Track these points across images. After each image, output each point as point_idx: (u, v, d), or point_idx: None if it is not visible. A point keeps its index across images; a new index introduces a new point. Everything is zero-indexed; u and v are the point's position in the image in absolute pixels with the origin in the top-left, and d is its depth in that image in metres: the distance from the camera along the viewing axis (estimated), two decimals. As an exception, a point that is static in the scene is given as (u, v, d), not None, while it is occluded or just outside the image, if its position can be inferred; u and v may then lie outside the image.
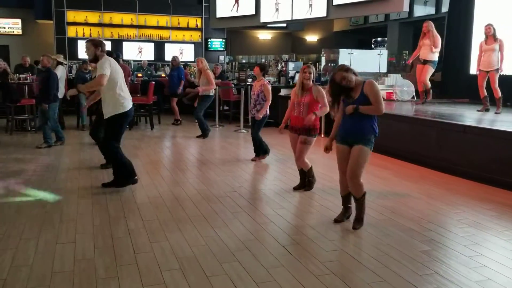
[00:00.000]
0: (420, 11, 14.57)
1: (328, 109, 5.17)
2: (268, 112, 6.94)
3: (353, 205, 4.32)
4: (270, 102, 6.86)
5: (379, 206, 4.86)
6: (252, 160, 7.13)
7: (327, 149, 4.35)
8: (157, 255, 3.54)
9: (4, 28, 15.89)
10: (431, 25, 9.01)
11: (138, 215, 4.48)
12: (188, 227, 4.17)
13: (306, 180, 5.48)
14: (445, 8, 12.85)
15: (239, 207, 4.81)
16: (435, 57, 9.06)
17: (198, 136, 9.19)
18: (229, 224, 4.28)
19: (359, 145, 4.05)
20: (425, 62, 9.11)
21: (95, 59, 5.08)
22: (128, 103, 5.22)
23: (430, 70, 9.16)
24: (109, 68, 4.98)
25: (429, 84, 9.31)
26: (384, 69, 11.79)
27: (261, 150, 7.09)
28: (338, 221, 4.34)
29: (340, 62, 11.49)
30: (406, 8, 10.21)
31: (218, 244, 3.80)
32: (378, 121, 4.16)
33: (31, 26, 15.97)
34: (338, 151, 4.24)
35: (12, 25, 15.93)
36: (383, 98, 4.09)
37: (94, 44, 5.08)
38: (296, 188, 5.49)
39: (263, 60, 16.86)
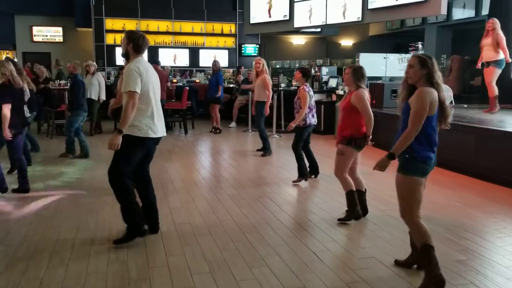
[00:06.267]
0: (458, 14, 14.24)
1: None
2: (309, 122, 5.94)
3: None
4: (306, 111, 5.82)
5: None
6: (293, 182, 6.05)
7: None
8: (188, 258, 3.58)
9: (46, 36, 16.54)
10: (496, 22, 8.00)
11: (170, 218, 4.54)
12: (219, 231, 4.19)
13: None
14: (485, 11, 12.50)
15: (270, 212, 4.80)
16: (500, 55, 7.96)
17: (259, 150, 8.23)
18: (259, 229, 4.28)
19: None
20: (488, 64, 8.12)
21: (126, 54, 4.10)
22: (151, 131, 3.88)
23: (496, 72, 8.07)
24: (139, 79, 3.79)
25: (495, 90, 8.12)
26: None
27: (299, 170, 6.03)
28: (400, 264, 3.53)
29: (375, 66, 11.32)
30: (444, 11, 9.92)
31: (248, 249, 3.80)
32: None
33: (71, 33, 16.54)
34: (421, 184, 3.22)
35: (54, 33, 16.58)
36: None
37: (128, 37, 4.04)
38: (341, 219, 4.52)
39: (297, 65, 16.78)
